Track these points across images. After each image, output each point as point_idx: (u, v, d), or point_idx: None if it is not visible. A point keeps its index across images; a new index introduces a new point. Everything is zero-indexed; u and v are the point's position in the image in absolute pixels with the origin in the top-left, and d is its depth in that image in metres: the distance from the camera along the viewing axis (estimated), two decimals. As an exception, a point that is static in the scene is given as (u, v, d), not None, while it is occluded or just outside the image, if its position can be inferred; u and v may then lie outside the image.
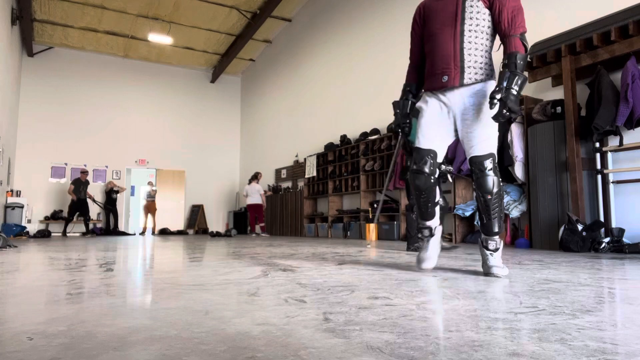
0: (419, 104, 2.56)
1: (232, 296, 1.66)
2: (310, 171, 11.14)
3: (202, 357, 0.90)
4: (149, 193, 14.02)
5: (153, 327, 1.15)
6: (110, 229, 12.66)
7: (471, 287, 1.89)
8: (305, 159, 11.54)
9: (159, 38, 13.11)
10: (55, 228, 13.53)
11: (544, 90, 5.70)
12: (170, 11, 12.46)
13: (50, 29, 13.29)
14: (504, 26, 2.29)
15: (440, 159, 2.47)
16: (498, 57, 4.03)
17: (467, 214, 6.13)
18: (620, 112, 4.32)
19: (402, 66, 7.78)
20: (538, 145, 5.10)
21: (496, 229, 2.33)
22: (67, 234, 12.17)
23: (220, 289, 1.83)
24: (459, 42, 2.35)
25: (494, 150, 2.34)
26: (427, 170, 2.40)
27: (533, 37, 5.22)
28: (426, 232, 2.53)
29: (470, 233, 6.40)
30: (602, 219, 4.77)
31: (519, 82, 2.15)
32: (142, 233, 13.35)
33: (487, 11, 2.35)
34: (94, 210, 13.72)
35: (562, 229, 4.50)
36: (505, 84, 2.15)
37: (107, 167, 14.78)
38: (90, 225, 12.05)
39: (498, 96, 2.13)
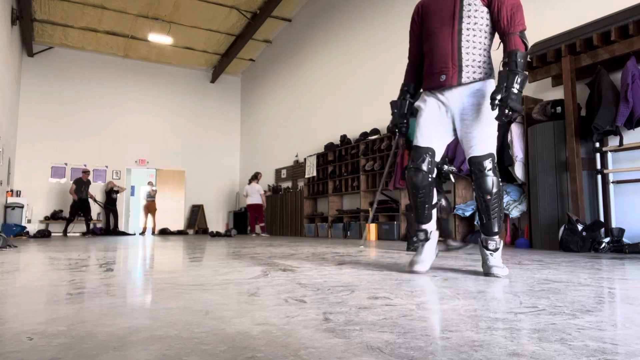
0: (417, 103, 2.55)
1: (232, 296, 1.66)
2: (310, 171, 11.14)
3: (202, 357, 0.90)
4: (149, 193, 14.02)
5: (153, 327, 1.15)
6: (110, 229, 12.66)
7: (471, 287, 1.89)
8: (305, 159, 11.54)
9: (159, 38, 13.11)
10: (55, 228, 13.54)
11: (544, 90, 5.70)
12: (170, 11, 12.46)
13: (50, 29, 13.29)
14: (503, 24, 2.27)
15: (438, 158, 2.45)
16: (498, 56, 4.03)
17: (467, 214, 6.13)
18: (620, 112, 4.32)
19: (402, 66, 7.76)
20: (538, 145, 5.10)
21: (496, 229, 2.32)
22: (68, 234, 12.18)
23: (220, 289, 1.83)
24: (457, 40, 2.34)
25: (493, 150, 2.33)
26: (425, 168, 2.38)
27: (533, 37, 5.22)
28: (422, 236, 2.47)
29: (470, 233, 6.40)
30: (602, 219, 4.77)
31: (520, 80, 2.13)
32: (142, 233, 13.35)
33: (485, 9, 2.33)
34: (95, 210, 13.72)
35: (562, 229, 4.50)
36: (505, 83, 2.12)
37: (107, 167, 14.78)
38: (90, 225, 12.06)
39: (498, 96, 2.11)
